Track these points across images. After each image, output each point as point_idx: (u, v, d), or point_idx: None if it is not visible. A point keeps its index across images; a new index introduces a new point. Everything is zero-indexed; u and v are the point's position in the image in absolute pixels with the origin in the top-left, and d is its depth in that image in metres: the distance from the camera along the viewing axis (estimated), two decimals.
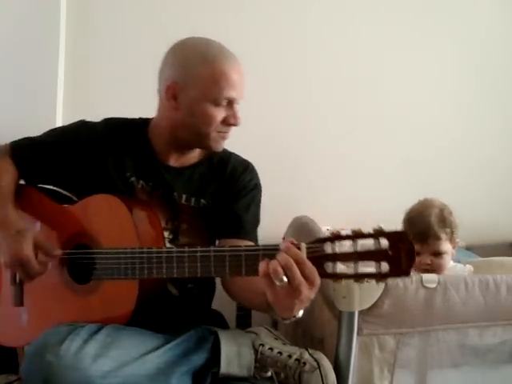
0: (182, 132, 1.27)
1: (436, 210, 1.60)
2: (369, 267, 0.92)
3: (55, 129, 1.37)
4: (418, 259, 1.59)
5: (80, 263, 1.20)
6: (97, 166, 1.29)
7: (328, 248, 0.93)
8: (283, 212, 1.83)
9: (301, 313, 1.03)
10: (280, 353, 1.23)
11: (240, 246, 1.04)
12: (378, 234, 0.91)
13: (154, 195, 1.30)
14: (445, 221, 1.59)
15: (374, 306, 1.30)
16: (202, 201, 1.32)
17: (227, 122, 1.25)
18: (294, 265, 0.92)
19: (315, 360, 1.22)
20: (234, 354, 1.18)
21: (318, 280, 0.94)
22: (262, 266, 0.93)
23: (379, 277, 0.91)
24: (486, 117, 2.29)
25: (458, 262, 1.77)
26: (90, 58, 2.00)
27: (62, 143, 1.31)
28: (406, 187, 2.17)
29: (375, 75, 2.18)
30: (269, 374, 1.20)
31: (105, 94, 1.99)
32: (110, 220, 1.22)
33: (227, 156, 1.38)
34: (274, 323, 1.94)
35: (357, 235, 0.92)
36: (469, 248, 2.04)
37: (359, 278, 0.92)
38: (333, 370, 1.23)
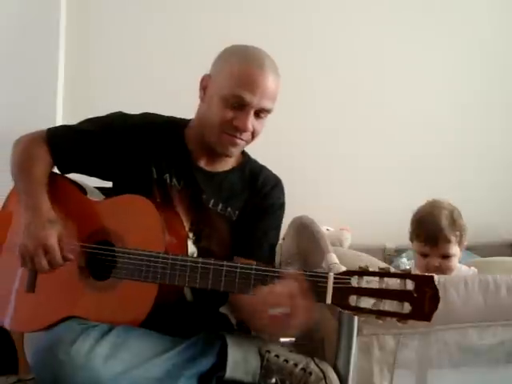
0: (204, 128, 1.26)
1: (446, 211, 1.60)
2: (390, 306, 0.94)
3: (92, 118, 1.35)
4: (425, 261, 1.60)
5: (100, 259, 1.20)
6: (131, 158, 1.29)
7: (355, 281, 0.96)
8: None
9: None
10: (286, 360, 1.23)
11: (267, 267, 1.06)
12: (405, 275, 0.94)
13: (183, 194, 1.30)
14: (455, 223, 1.59)
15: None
16: (229, 209, 1.32)
17: (233, 124, 1.21)
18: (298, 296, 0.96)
19: (321, 371, 1.22)
20: (240, 359, 1.18)
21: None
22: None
23: (401, 317, 0.93)
24: (486, 117, 2.29)
25: (459, 262, 1.77)
26: (90, 58, 2.01)
27: (98, 132, 1.30)
28: (407, 187, 2.17)
29: (377, 75, 2.18)
30: (273, 380, 1.20)
31: (105, 94, 1.99)
32: (139, 221, 1.21)
33: (258, 168, 1.39)
34: None
35: (384, 274, 0.95)
36: (469, 248, 2.04)
37: (381, 315, 0.94)
38: (338, 381, 1.23)
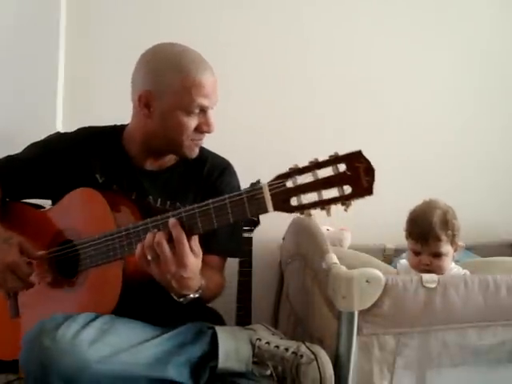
0: (155, 140, 1.30)
1: (439, 211, 1.60)
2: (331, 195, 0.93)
3: (32, 144, 1.40)
4: (417, 259, 1.59)
5: (66, 258, 1.23)
6: (72, 173, 1.32)
7: (290, 183, 0.96)
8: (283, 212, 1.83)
9: (192, 295, 1.13)
10: (277, 346, 1.24)
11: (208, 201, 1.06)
12: (334, 159, 0.94)
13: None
14: (447, 223, 1.59)
15: (374, 305, 1.30)
16: (178, 205, 1.33)
17: (200, 130, 1.27)
18: (164, 243, 1.03)
19: (312, 353, 1.22)
20: (232, 349, 1.19)
21: (188, 259, 1.05)
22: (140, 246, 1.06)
23: (343, 199, 0.92)
24: (486, 116, 2.29)
25: (457, 261, 1.77)
26: (90, 58, 2.00)
27: (38, 157, 1.35)
28: (406, 187, 2.17)
29: (375, 75, 2.17)
30: (268, 372, 1.20)
31: (105, 95, 1.99)
32: (87, 210, 1.26)
33: (205, 157, 1.40)
34: (274, 323, 1.94)
35: (315, 165, 0.95)
36: (469, 248, 2.04)
37: (325, 204, 0.93)
38: (330, 362, 1.22)
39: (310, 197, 0.94)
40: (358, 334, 1.31)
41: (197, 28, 2.01)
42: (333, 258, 1.39)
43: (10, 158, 1.39)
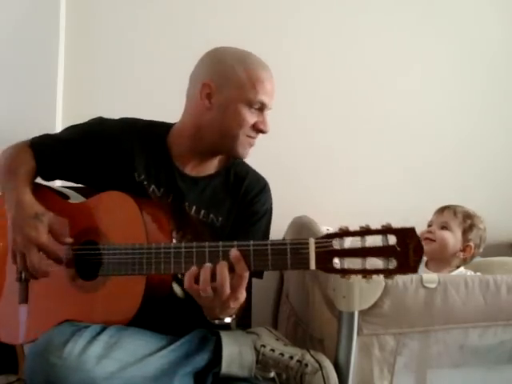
0: (210, 134, 1.27)
1: (471, 211, 1.67)
2: (376, 265, 0.93)
3: (73, 126, 1.37)
4: (427, 229, 1.67)
5: (87, 259, 1.20)
6: (111, 165, 1.29)
7: (336, 244, 0.95)
8: (283, 212, 1.83)
9: (228, 319, 1.13)
10: (282, 354, 1.23)
11: (249, 241, 1.04)
12: (386, 230, 0.93)
13: (164, 202, 1.30)
14: (469, 216, 1.66)
15: (374, 305, 1.30)
16: (212, 216, 1.32)
17: (257, 127, 1.27)
18: (228, 281, 1.01)
19: (317, 361, 1.22)
20: (235, 355, 1.18)
21: (242, 293, 1.05)
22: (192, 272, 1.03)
23: (387, 273, 0.92)
24: (486, 117, 2.29)
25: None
26: (90, 58, 2.00)
27: (78, 140, 1.31)
28: (407, 188, 2.17)
29: (376, 77, 2.17)
30: (271, 374, 1.20)
31: (105, 94, 1.99)
32: (119, 216, 1.21)
33: (245, 172, 1.39)
34: (274, 324, 1.94)
35: (365, 232, 0.94)
36: None
37: (367, 273, 0.93)
38: (335, 372, 1.23)
39: (353, 261, 0.94)
40: (358, 334, 1.31)
41: (197, 28, 2.02)
42: None
43: (48, 136, 1.36)
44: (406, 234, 0.92)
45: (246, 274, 1.03)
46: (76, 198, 1.35)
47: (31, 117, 1.87)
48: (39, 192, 1.28)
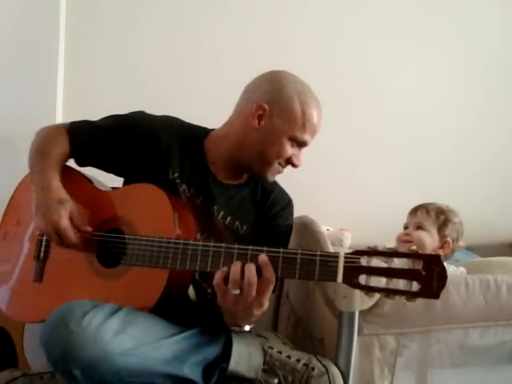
0: (249, 152, 1.30)
1: (443, 205, 1.65)
2: (397, 285, 0.97)
3: (113, 115, 1.36)
4: (404, 232, 1.66)
5: (110, 247, 1.21)
6: (147, 159, 1.30)
7: (364, 261, 0.98)
8: None
9: (247, 327, 1.14)
10: (289, 357, 1.24)
11: (279, 248, 1.06)
12: (413, 254, 0.97)
13: (192, 202, 1.30)
14: (443, 212, 1.64)
15: (375, 306, 1.30)
16: (237, 223, 1.33)
17: (290, 161, 1.30)
18: (256, 282, 1.02)
19: (324, 366, 1.23)
20: (244, 354, 1.18)
21: (267, 300, 1.07)
22: (222, 271, 1.05)
23: (411, 295, 0.96)
24: (486, 117, 2.29)
25: (457, 261, 1.77)
26: (90, 58, 2.00)
27: (117, 130, 1.31)
28: (407, 188, 2.18)
29: (376, 77, 2.18)
30: (276, 381, 1.20)
31: (105, 94, 1.99)
32: (151, 210, 1.21)
33: (272, 186, 1.40)
34: (274, 323, 1.94)
35: (393, 253, 0.98)
36: (469, 248, 2.04)
37: (391, 293, 0.97)
38: (341, 376, 1.23)
39: (378, 279, 0.98)
40: (359, 334, 1.31)
41: (198, 29, 2.02)
42: None
43: (87, 122, 1.35)
44: (432, 261, 0.96)
45: (273, 279, 1.04)
46: (98, 184, 1.36)
47: (31, 117, 1.87)
48: (69, 176, 1.30)
